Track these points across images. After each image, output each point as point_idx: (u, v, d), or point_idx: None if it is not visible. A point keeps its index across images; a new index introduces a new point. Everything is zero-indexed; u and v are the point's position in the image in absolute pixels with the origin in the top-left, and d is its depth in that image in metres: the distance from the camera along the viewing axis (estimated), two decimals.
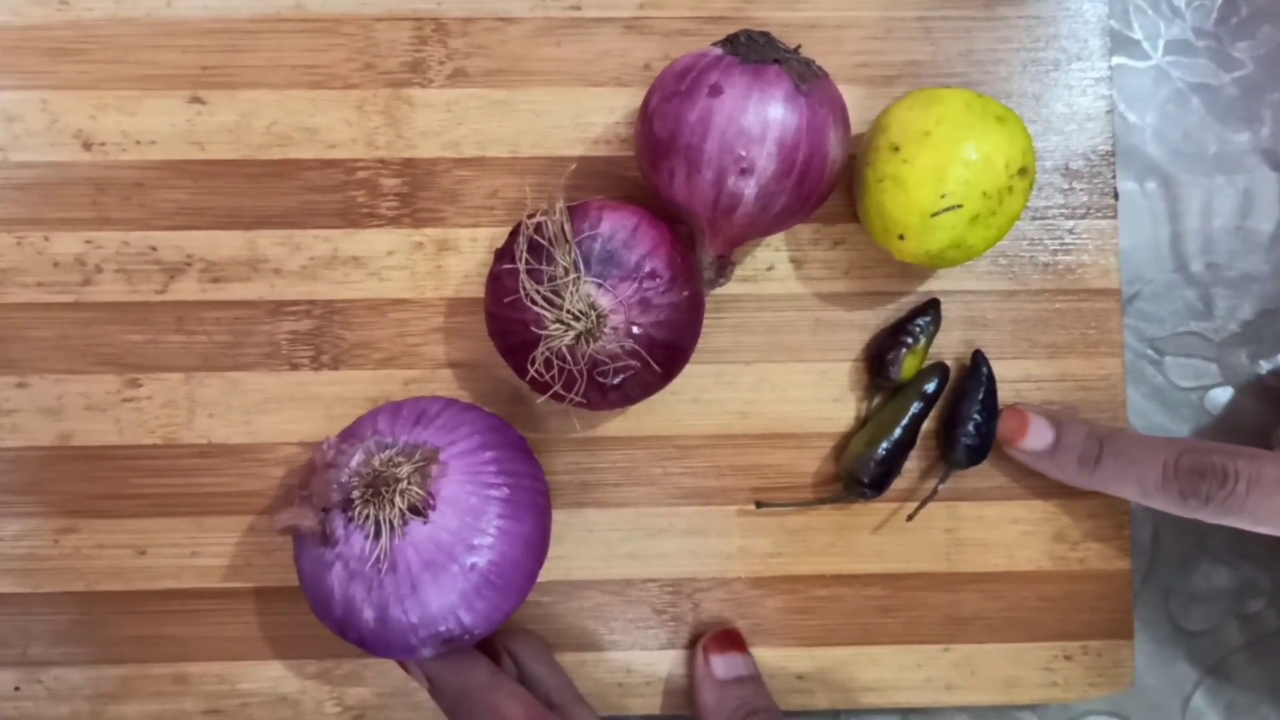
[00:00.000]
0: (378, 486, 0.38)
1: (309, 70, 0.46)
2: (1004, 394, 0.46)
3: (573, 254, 0.39)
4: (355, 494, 0.38)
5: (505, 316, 0.41)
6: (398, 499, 0.38)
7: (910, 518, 0.46)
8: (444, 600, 0.38)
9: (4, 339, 0.45)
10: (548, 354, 0.39)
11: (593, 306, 0.39)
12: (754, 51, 0.41)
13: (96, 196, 0.46)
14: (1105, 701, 0.49)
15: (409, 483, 0.38)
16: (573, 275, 0.39)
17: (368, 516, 0.38)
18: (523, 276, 0.39)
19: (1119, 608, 0.47)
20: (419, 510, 0.38)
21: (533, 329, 0.39)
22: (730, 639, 0.46)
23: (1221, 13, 0.50)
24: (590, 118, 0.47)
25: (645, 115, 0.42)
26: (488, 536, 0.39)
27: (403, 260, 0.46)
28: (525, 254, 0.40)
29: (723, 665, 0.45)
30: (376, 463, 0.38)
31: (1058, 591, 0.47)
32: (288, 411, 0.46)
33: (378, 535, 0.38)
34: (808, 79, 0.40)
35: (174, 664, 0.46)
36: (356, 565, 0.38)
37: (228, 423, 0.46)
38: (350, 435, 0.41)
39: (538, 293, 0.39)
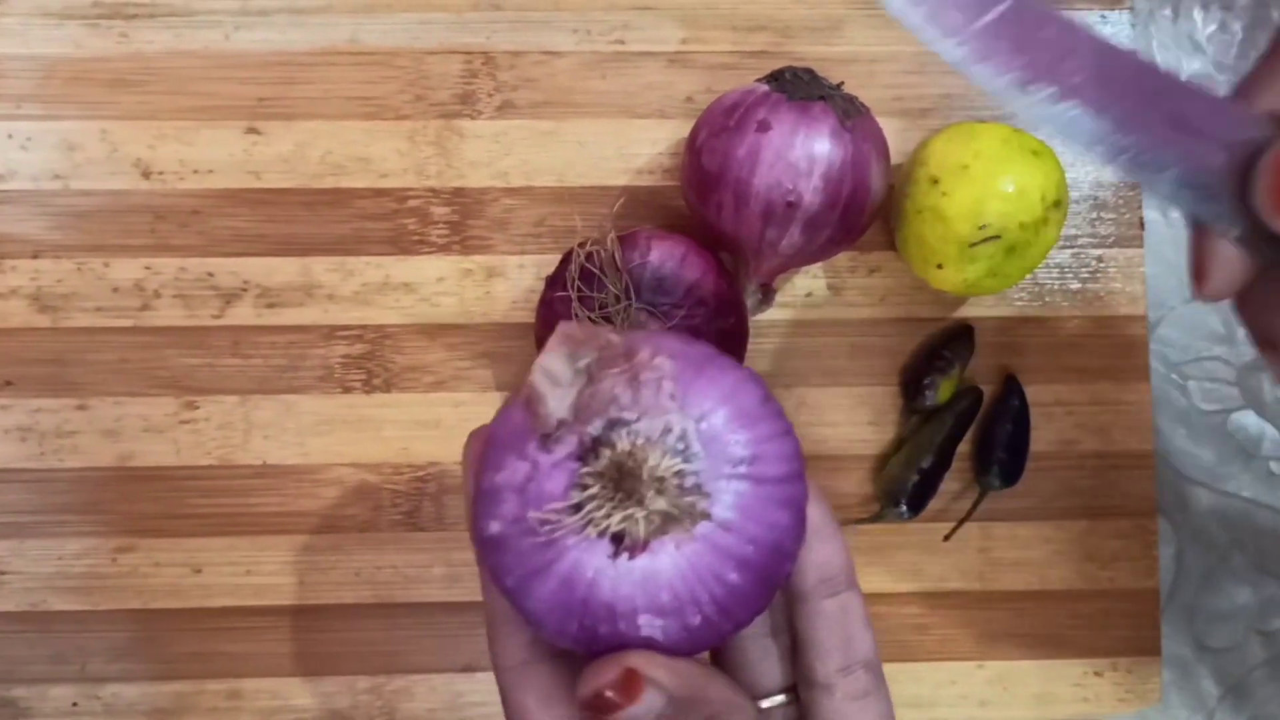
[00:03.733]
0: (624, 481, 0.25)
1: (363, 102, 0.48)
2: (1036, 417, 0.48)
3: (624, 281, 0.41)
4: (605, 456, 0.26)
5: None
6: (629, 521, 0.25)
7: (946, 538, 0.47)
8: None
9: (65, 362, 0.47)
10: None
11: None
12: (799, 88, 0.42)
13: (155, 224, 0.47)
14: (1133, 717, 0.50)
15: (650, 519, 0.25)
16: (624, 302, 0.41)
17: (590, 493, 0.26)
18: (575, 303, 0.41)
19: (1147, 625, 0.48)
20: (627, 549, 0.26)
21: None
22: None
23: (1241, 48, 0.51)
24: (634, 149, 0.48)
25: (693, 149, 0.43)
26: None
27: (452, 286, 0.47)
28: (577, 281, 0.41)
29: None
30: (654, 458, 0.25)
31: (1088, 610, 0.48)
32: (340, 434, 0.47)
33: (577, 509, 0.25)
34: (851, 115, 0.42)
35: (228, 680, 0.47)
36: (533, 506, 0.26)
37: (282, 444, 0.47)
38: (693, 371, 0.26)
39: (589, 318, 0.41)
